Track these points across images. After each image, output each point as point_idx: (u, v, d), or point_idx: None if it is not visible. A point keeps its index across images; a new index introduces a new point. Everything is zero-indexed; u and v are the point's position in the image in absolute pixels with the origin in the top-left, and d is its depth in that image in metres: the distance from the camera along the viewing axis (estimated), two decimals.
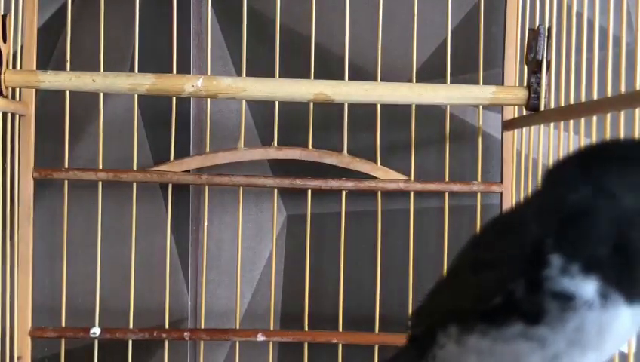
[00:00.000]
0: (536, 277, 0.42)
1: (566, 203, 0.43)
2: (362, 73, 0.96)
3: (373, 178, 0.93)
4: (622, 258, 0.40)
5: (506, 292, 0.43)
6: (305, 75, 0.91)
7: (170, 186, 0.93)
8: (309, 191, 0.93)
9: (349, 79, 0.91)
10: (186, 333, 0.92)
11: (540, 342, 0.42)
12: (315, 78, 0.90)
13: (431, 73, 0.97)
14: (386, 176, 0.93)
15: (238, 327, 0.95)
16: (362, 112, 0.95)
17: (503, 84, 0.92)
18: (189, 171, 0.94)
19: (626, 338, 0.42)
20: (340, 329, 0.92)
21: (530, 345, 0.42)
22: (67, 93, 0.91)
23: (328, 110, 0.96)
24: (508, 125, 0.92)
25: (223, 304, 0.99)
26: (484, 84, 0.91)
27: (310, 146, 0.94)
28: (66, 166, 0.93)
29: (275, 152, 0.94)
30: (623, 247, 0.41)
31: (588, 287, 0.41)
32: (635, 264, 0.40)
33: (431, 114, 0.97)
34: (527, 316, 0.42)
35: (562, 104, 0.79)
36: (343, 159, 0.94)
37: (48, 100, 0.95)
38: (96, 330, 0.91)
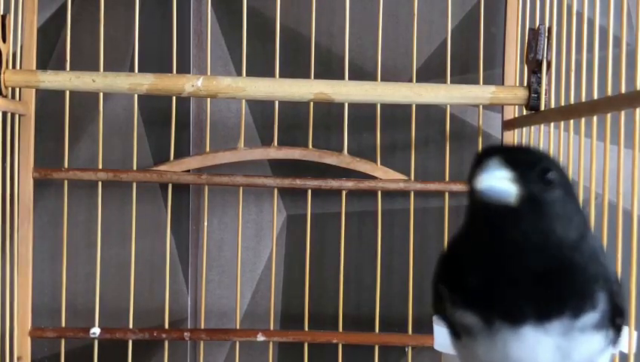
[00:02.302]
0: (439, 303, 0.45)
1: (450, 241, 0.46)
2: (362, 73, 0.96)
3: (374, 178, 0.93)
4: (497, 286, 0.41)
5: (438, 308, 0.46)
6: (305, 75, 0.91)
7: (170, 186, 0.93)
8: (309, 191, 0.93)
9: (349, 79, 0.91)
10: (186, 333, 0.92)
11: (472, 351, 0.44)
12: (315, 78, 0.90)
13: (431, 73, 0.97)
14: (386, 176, 0.93)
15: (238, 327, 0.95)
16: (362, 112, 0.95)
17: (503, 84, 0.92)
18: (189, 171, 0.94)
19: (546, 354, 0.41)
20: (340, 329, 0.92)
21: (466, 351, 0.44)
22: (67, 93, 0.92)
23: (328, 110, 0.96)
24: (508, 125, 0.92)
25: (223, 304, 0.99)
26: (484, 84, 0.91)
27: (310, 146, 0.94)
28: (66, 166, 0.93)
29: (275, 152, 0.94)
30: (497, 276, 0.41)
31: (470, 318, 0.42)
32: (509, 291, 0.41)
33: (431, 114, 0.97)
34: (455, 333, 0.45)
35: (562, 104, 0.79)
36: (343, 159, 0.94)
37: (48, 100, 0.95)
38: (96, 330, 0.91)
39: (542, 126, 0.86)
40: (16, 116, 0.88)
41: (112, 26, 0.96)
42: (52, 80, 0.82)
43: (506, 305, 0.41)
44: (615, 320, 0.43)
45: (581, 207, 0.44)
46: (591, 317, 0.41)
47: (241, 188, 0.93)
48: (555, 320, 0.40)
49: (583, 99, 0.73)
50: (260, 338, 0.92)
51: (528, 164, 0.41)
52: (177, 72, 0.91)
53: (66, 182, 0.92)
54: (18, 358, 0.89)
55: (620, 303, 0.43)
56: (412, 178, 0.93)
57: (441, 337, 0.76)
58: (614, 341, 0.44)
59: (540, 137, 0.86)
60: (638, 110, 0.62)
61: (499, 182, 0.40)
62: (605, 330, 0.42)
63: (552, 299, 0.41)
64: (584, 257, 0.41)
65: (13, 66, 0.86)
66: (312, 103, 0.91)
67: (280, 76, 0.90)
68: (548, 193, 0.41)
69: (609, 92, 0.68)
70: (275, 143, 0.94)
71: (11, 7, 0.86)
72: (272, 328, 0.94)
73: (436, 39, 0.98)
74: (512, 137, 0.92)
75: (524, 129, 0.89)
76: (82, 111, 0.96)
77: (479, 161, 0.41)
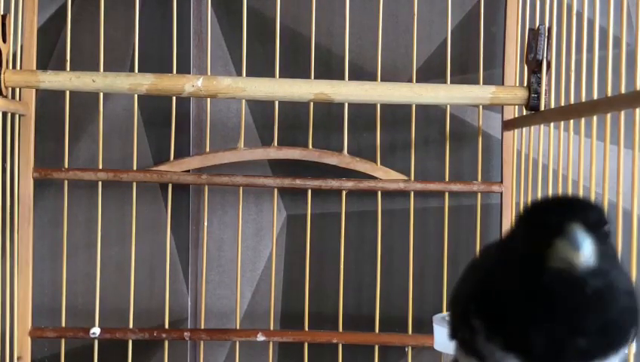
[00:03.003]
0: (470, 336, 0.42)
1: (486, 267, 0.43)
2: (362, 73, 0.96)
3: (374, 178, 0.93)
4: (541, 336, 0.40)
5: (459, 336, 0.44)
6: (305, 75, 0.91)
7: (170, 186, 0.93)
8: (309, 191, 0.93)
9: (349, 79, 0.91)
10: (186, 333, 0.92)
11: None
12: (315, 78, 0.90)
13: (431, 73, 0.97)
14: (386, 176, 0.93)
15: (238, 327, 0.95)
16: (362, 112, 0.95)
17: (503, 84, 0.92)
18: (189, 171, 0.94)
19: None
20: (340, 329, 0.92)
21: None
22: (67, 93, 0.92)
23: (328, 110, 0.96)
24: (508, 125, 0.92)
25: (223, 304, 0.99)
26: (484, 84, 0.91)
27: (310, 146, 0.94)
28: (66, 166, 0.93)
29: (275, 152, 0.94)
30: (543, 326, 0.40)
31: (510, 361, 0.40)
32: (554, 342, 0.39)
33: (431, 114, 0.97)
34: (474, 354, 0.43)
35: (562, 104, 0.79)
36: (343, 159, 0.94)
37: (48, 100, 0.95)
38: (96, 330, 0.91)
39: (542, 126, 0.86)
40: (16, 116, 0.88)
41: (112, 26, 0.96)
42: (52, 80, 0.82)
43: (550, 355, 0.39)
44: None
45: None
46: (623, 351, 0.41)
47: (241, 188, 0.93)
48: None
49: (583, 99, 0.73)
50: (260, 338, 0.92)
51: (596, 224, 0.40)
52: (177, 72, 0.91)
53: (66, 182, 0.92)
54: (18, 358, 0.89)
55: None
56: (412, 178, 0.93)
57: (441, 337, 0.77)
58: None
59: (540, 137, 0.86)
60: (637, 110, 0.62)
61: (587, 253, 0.38)
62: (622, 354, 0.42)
63: (593, 351, 0.40)
64: (621, 293, 0.40)
65: (14, 66, 0.86)
66: (312, 103, 0.91)
67: (280, 76, 0.90)
68: (606, 246, 0.40)
69: (609, 92, 0.68)
70: (275, 143, 0.94)
71: (11, 7, 0.86)
72: (272, 328, 0.94)
73: (436, 39, 0.98)
74: (512, 137, 0.92)
75: (524, 129, 0.89)
76: (82, 112, 0.96)
77: (559, 225, 0.39)
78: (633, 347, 0.65)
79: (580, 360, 0.40)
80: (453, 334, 0.45)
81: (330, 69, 0.96)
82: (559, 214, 0.40)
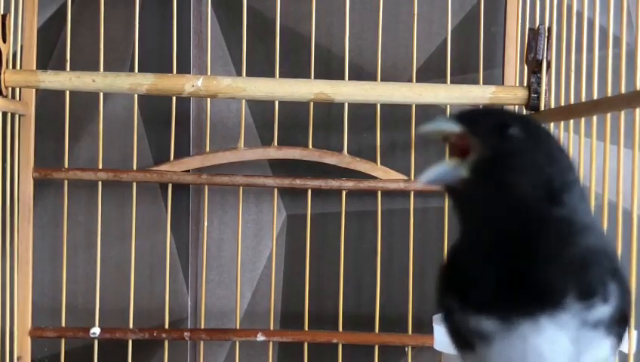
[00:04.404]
0: (449, 319, 0.43)
1: (448, 253, 0.44)
2: (362, 73, 0.96)
3: (374, 178, 0.93)
4: (504, 282, 0.40)
5: (448, 321, 0.44)
6: (305, 75, 0.91)
7: (170, 186, 0.93)
8: (309, 191, 0.93)
9: (349, 79, 0.91)
10: (186, 333, 0.92)
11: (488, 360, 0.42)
12: (315, 78, 0.90)
13: (431, 73, 0.97)
14: (386, 176, 0.93)
15: (238, 327, 0.95)
16: (362, 112, 0.95)
17: (503, 84, 0.92)
18: (189, 171, 0.94)
19: (563, 347, 0.40)
20: (340, 329, 0.92)
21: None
22: (67, 92, 0.92)
23: (328, 110, 0.96)
24: None
25: (223, 304, 0.99)
26: (484, 84, 0.91)
27: (310, 146, 0.94)
28: (66, 166, 0.93)
29: (275, 152, 0.94)
30: (501, 271, 0.40)
31: (486, 322, 0.40)
32: (517, 283, 0.40)
33: (431, 114, 0.97)
34: (466, 346, 0.43)
35: (562, 104, 0.79)
36: (343, 159, 0.94)
37: (48, 100, 0.95)
38: (96, 330, 0.91)
39: None
40: (16, 116, 0.88)
41: (112, 26, 0.96)
42: (52, 80, 0.82)
43: (517, 300, 0.40)
44: (621, 324, 0.42)
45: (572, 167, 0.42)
46: (603, 311, 0.40)
47: (241, 188, 0.94)
48: (568, 306, 0.39)
49: (583, 99, 0.73)
50: (260, 338, 0.92)
51: (484, 121, 0.41)
52: (177, 72, 0.91)
53: (66, 182, 0.92)
54: (18, 358, 0.89)
55: (627, 307, 0.42)
56: (412, 178, 0.93)
57: (441, 337, 0.77)
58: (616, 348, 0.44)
59: None
60: (637, 110, 0.62)
61: (437, 172, 0.40)
62: (613, 337, 0.42)
63: (557, 283, 0.39)
64: (572, 213, 0.40)
65: (14, 66, 0.86)
66: (312, 103, 0.91)
67: (280, 76, 0.90)
68: (507, 149, 0.40)
69: (609, 92, 0.68)
70: (275, 143, 0.94)
71: (11, 7, 0.86)
72: (272, 328, 0.94)
73: (436, 39, 0.98)
74: None
75: None
76: (82, 112, 0.96)
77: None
78: (633, 347, 0.65)
79: (550, 302, 0.39)
80: (445, 325, 0.45)
81: (330, 69, 0.96)
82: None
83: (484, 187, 0.40)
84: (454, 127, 0.40)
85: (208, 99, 0.94)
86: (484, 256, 0.41)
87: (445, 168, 0.40)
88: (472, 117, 0.41)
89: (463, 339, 0.43)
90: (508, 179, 0.40)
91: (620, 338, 0.42)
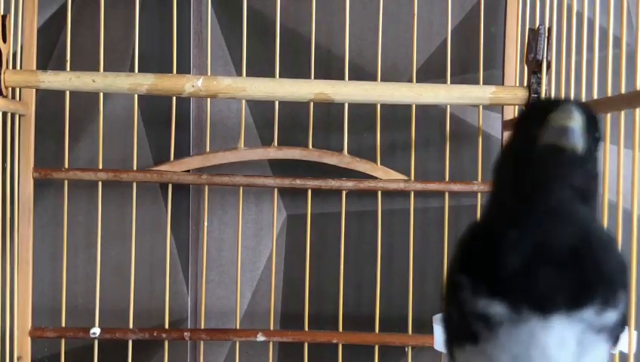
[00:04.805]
0: (456, 298, 0.43)
1: (472, 228, 0.44)
2: (362, 73, 0.96)
3: (374, 178, 0.93)
4: (526, 275, 0.40)
5: (447, 316, 0.44)
6: (305, 75, 0.91)
7: (170, 186, 0.93)
8: (309, 191, 0.93)
9: (349, 79, 0.91)
10: (186, 333, 0.92)
11: (488, 356, 0.42)
12: (315, 78, 0.90)
13: (431, 73, 0.97)
14: (386, 176, 0.93)
15: (238, 327, 0.95)
16: (362, 112, 0.95)
17: (503, 84, 0.92)
18: (189, 171, 0.94)
19: (568, 347, 0.40)
20: (340, 329, 0.92)
21: (483, 358, 0.42)
22: (67, 93, 0.92)
23: (328, 110, 0.96)
24: (508, 125, 0.92)
25: (223, 304, 0.99)
26: (484, 84, 0.91)
27: (310, 146, 0.94)
28: (66, 166, 0.93)
29: (275, 152, 0.94)
30: (527, 266, 0.40)
31: (496, 307, 0.40)
32: (539, 279, 0.40)
33: (431, 114, 0.97)
34: (467, 337, 0.43)
35: None
36: (343, 159, 0.94)
37: (48, 100, 0.95)
38: (96, 330, 0.91)
39: None
40: (17, 116, 0.88)
41: (112, 26, 0.96)
42: (52, 80, 0.82)
43: (538, 293, 0.39)
44: (621, 328, 0.42)
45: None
46: (612, 316, 0.41)
47: (241, 188, 0.93)
48: (584, 311, 0.40)
49: (583, 99, 0.73)
50: (260, 338, 0.92)
51: (590, 117, 0.41)
52: (177, 72, 0.91)
53: (66, 182, 0.92)
54: (18, 358, 0.89)
55: (627, 310, 0.43)
56: (412, 178, 0.93)
57: (441, 337, 0.77)
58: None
59: None
60: (637, 110, 0.62)
61: (578, 127, 0.40)
62: (612, 340, 0.42)
63: (582, 288, 0.40)
64: (602, 236, 0.41)
65: (14, 66, 0.86)
66: (312, 103, 0.91)
67: (280, 76, 0.90)
68: (595, 150, 0.41)
69: (609, 92, 0.68)
70: (275, 143, 0.94)
71: (11, 7, 0.86)
72: (272, 328, 0.94)
73: (436, 39, 0.98)
74: None
75: None
76: (82, 112, 0.96)
77: (551, 106, 0.41)
78: (633, 347, 0.65)
79: (566, 304, 0.39)
80: (445, 303, 0.45)
81: (330, 69, 0.96)
82: (556, 103, 0.41)
83: (582, 172, 0.41)
84: (579, 141, 0.40)
85: (208, 99, 0.94)
86: (512, 241, 0.40)
87: (579, 128, 0.40)
88: (585, 113, 0.41)
89: (464, 328, 0.42)
90: (593, 180, 0.42)
91: (617, 340, 0.42)
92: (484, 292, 0.41)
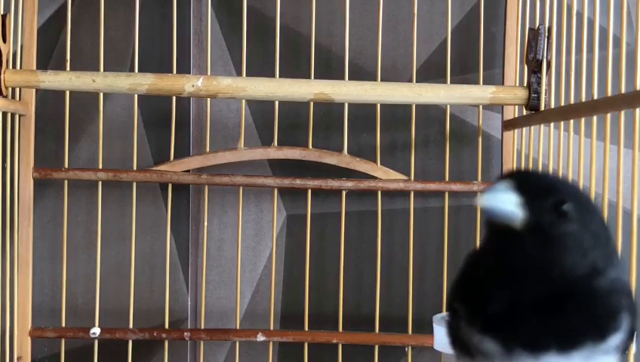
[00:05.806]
0: (456, 321, 0.43)
1: (469, 258, 0.45)
2: (362, 73, 0.96)
3: (374, 178, 0.93)
4: (517, 314, 0.40)
5: (449, 326, 0.45)
6: (305, 75, 0.91)
7: (170, 186, 0.93)
8: (309, 191, 0.93)
9: (349, 79, 0.91)
10: (186, 333, 0.92)
11: None
12: (315, 78, 0.90)
13: (431, 73, 0.97)
14: (386, 176, 0.93)
15: (238, 327, 0.95)
16: (362, 112, 0.95)
17: (503, 84, 0.92)
18: (189, 171, 0.94)
19: None
20: (340, 329, 0.92)
21: None
22: (67, 93, 0.92)
23: (328, 110, 0.96)
24: (508, 125, 0.92)
25: (223, 304, 0.99)
26: (484, 84, 0.91)
27: (310, 146, 0.94)
28: (66, 166, 0.93)
29: (275, 152, 0.94)
30: (518, 304, 0.40)
31: (489, 344, 0.41)
32: (530, 319, 0.40)
33: (431, 114, 0.97)
34: (466, 354, 0.43)
35: (562, 104, 0.79)
36: (343, 159, 0.94)
37: (48, 100, 0.95)
38: (96, 330, 0.91)
39: (542, 126, 0.86)
40: (16, 116, 0.88)
41: (112, 26, 0.96)
42: (52, 80, 0.82)
43: (526, 334, 0.40)
44: (629, 340, 0.42)
45: (608, 239, 0.43)
46: (615, 339, 0.41)
47: (241, 188, 0.93)
48: (577, 350, 0.40)
49: (583, 99, 0.73)
50: (260, 338, 0.92)
51: (542, 192, 0.41)
52: (177, 72, 0.91)
53: (66, 182, 0.92)
54: (18, 358, 0.89)
55: (635, 322, 0.43)
56: (412, 178, 0.93)
57: (441, 337, 0.76)
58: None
59: (540, 137, 0.86)
60: (637, 110, 0.62)
61: (503, 204, 0.40)
62: (621, 352, 0.42)
63: (573, 329, 0.40)
64: (601, 289, 0.41)
65: (14, 66, 0.86)
66: (312, 103, 0.91)
67: (280, 76, 0.90)
68: (559, 225, 0.40)
69: (609, 92, 0.68)
70: (275, 143, 0.94)
71: (11, 7, 0.86)
72: (272, 328, 0.94)
73: (436, 39, 0.98)
74: (512, 137, 0.92)
75: (524, 129, 0.89)
76: (82, 112, 0.96)
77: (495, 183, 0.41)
78: (633, 347, 0.65)
79: (558, 345, 0.40)
80: (449, 327, 0.45)
81: (330, 69, 0.96)
82: (504, 177, 0.42)
83: (533, 244, 0.40)
84: (517, 216, 0.40)
85: (208, 99, 0.94)
86: (506, 279, 0.41)
87: (507, 203, 0.40)
88: (530, 187, 0.41)
89: (462, 345, 0.43)
90: (556, 254, 0.40)
91: (626, 349, 0.43)
92: (478, 327, 0.41)
